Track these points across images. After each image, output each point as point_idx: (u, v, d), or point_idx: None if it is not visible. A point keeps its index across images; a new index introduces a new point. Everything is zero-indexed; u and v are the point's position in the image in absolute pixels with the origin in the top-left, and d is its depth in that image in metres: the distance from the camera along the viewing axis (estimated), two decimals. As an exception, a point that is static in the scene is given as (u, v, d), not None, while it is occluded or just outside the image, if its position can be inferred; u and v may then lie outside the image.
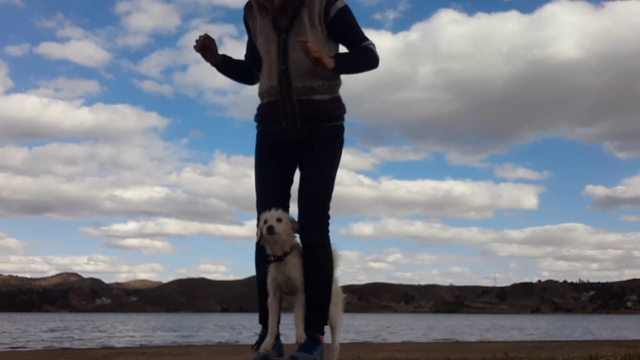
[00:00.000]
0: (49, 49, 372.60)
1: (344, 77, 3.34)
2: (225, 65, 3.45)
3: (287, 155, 3.33)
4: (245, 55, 3.53)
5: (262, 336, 3.32)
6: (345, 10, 3.21)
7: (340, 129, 3.31)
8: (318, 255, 3.23)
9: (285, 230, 3.20)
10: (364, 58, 3.26)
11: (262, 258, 3.31)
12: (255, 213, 3.38)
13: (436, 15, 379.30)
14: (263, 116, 3.36)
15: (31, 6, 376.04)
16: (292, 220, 3.26)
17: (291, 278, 3.23)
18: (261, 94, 3.35)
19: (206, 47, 3.31)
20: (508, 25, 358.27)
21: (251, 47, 3.46)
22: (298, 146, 3.30)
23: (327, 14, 3.18)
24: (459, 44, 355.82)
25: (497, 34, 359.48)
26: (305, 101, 3.19)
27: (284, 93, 3.20)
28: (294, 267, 3.24)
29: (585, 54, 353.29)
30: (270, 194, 3.31)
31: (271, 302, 3.28)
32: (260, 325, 3.41)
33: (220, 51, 3.41)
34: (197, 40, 3.30)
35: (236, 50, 3.61)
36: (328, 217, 3.25)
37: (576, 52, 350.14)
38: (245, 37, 3.52)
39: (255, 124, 3.45)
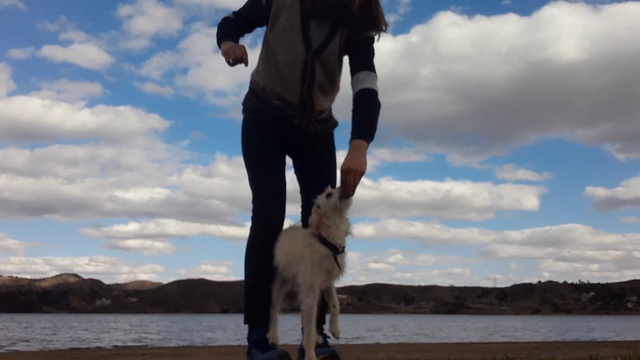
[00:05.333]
0: (52, 52, 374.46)
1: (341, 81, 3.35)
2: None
3: (283, 150, 3.30)
4: (240, 14, 3.18)
5: (262, 338, 3.09)
6: (372, 41, 3.13)
7: (333, 136, 3.40)
8: None
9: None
10: (375, 110, 3.03)
11: (261, 258, 3.10)
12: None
13: (435, 18, 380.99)
14: (267, 112, 3.22)
15: (34, 10, 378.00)
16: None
17: (343, 272, 2.80)
18: (268, 92, 3.17)
19: (238, 60, 3.02)
20: (507, 27, 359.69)
21: (253, 12, 3.13)
22: (297, 148, 3.31)
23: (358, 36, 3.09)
24: (459, 46, 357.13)
25: (497, 36, 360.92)
26: (319, 120, 3.26)
27: (304, 113, 3.18)
28: (346, 261, 2.83)
29: (586, 56, 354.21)
30: (274, 183, 3.15)
31: (313, 301, 2.76)
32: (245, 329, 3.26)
33: None
34: (234, 55, 2.98)
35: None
36: None
37: (576, 54, 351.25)
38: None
39: (244, 105, 3.30)
